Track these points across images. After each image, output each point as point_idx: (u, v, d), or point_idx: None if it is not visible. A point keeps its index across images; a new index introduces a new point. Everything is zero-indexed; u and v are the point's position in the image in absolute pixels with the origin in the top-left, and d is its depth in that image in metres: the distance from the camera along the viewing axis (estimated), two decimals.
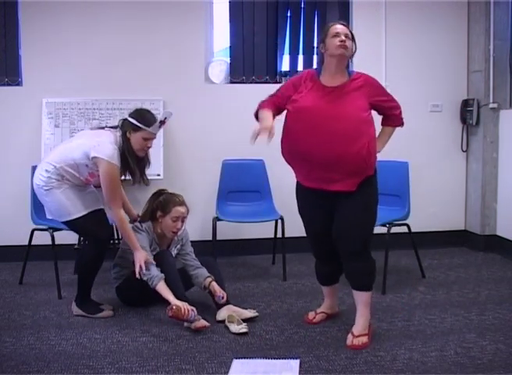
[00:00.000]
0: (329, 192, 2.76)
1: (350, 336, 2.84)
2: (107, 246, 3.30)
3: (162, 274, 3.12)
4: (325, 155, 2.67)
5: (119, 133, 3.15)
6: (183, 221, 3.34)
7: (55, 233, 3.64)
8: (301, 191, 2.94)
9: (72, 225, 3.18)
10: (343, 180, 2.72)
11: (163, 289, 3.07)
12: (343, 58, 2.77)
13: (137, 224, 3.36)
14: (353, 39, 2.81)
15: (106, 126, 3.30)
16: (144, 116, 3.14)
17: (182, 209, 3.32)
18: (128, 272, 3.30)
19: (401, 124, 2.97)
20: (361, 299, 2.88)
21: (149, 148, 3.19)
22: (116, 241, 4.06)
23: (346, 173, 2.70)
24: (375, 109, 2.84)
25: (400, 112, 2.93)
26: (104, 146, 3.04)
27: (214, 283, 3.24)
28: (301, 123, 2.74)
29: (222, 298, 3.17)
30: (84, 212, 3.13)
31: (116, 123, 3.28)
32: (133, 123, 3.10)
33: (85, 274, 3.22)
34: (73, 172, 3.11)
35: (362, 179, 2.75)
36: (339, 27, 2.78)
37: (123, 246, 3.38)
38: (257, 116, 2.86)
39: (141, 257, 3.08)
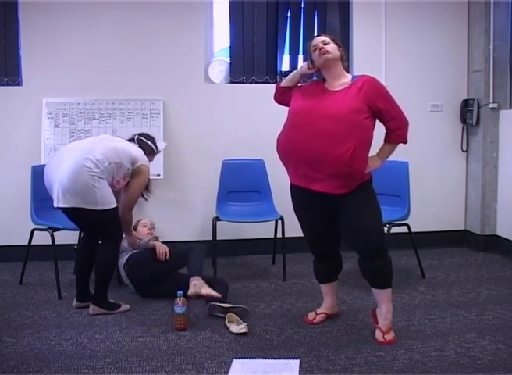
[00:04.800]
0: (316, 193, 2.76)
1: (379, 332, 2.84)
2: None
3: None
4: (308, 153, 2.69)
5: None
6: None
7: (55, 234, 3.64)
8: (293, 190, 2.95)
9: (106, 214, 3.16)
10: (323, 181, 2.72)
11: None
12: (331, 63, 2.79)
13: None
14: (334, 41, 2.83)
15: (133, 139, 3.55)
16: (156, 144, 3.61)
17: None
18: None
19: (402, 142, 2.86)
20: (385, 297, 2.88)
21: None
22: None
23: (326, 174, 2.70)
24: (376, 116, 2.78)
25: (402, 129, 2.82)
26: (144, 156, 3.38)
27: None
28: (293, 120, 2.80)
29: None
30: (116, 205, 3.24)
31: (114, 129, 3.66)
32: (152, 148, 3.56)
33: (107, 274, 3.28)
34: (115, 170, 3.20)
35: (348, 183, 2.73)
36: (315, 40, 2.85)
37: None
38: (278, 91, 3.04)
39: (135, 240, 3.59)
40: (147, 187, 3.48)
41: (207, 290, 3.18)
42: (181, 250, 3.54)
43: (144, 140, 3.53)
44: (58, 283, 3.60)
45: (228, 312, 3.10)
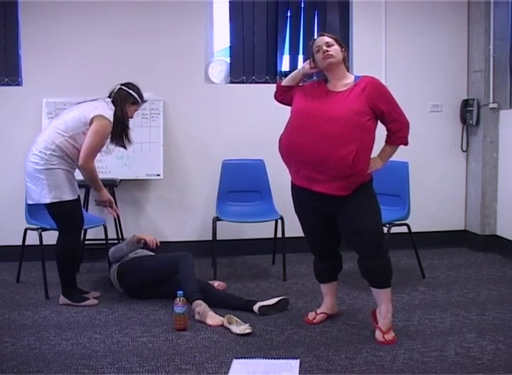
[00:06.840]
0: (318, 193, 2.76)
1: (379, 332, 2.84)
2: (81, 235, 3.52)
3: None
4: (311, 154, 2.69)
5: (110, 103, 3.36)
6: None
7: (54, 233, 3.63)
8: (294, 190, 2.95)
9: (60, 208, 3.27)
10: (326, 182, 2.72)
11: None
12: (334, 66, 2.79)
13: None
14: (337, 41, 2.82)
15: (98, 98, 3.43)
16: (140, 92, 3.44)
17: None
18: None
19: (403, 143, 2.88)
20: (384, 296, 2.88)
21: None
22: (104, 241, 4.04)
23: (329, 176, 2.70)
24: (378, 118, 2.79)
25: (403, 131, 2.83)
26: (102, 108, 3.28)
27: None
28: (296, 122, 2.79)
29: None
30: (75, 197, 3.30)
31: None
32: (134, 97, 3.38)
33: (68, 264, 3.39)
34: (73, 143, 3.24)
35: (350, 185, 2.73)
36: (319, 40, 2.83)
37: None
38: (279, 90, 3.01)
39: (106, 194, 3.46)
40: (126, 136, 3.40)
41: (213, 320, 3.07)
42: (169, 260, 3.43)
43: (128, 91, 3.36)
44: (45, 283, 3.60)
45: (276, 308, 3.22)
